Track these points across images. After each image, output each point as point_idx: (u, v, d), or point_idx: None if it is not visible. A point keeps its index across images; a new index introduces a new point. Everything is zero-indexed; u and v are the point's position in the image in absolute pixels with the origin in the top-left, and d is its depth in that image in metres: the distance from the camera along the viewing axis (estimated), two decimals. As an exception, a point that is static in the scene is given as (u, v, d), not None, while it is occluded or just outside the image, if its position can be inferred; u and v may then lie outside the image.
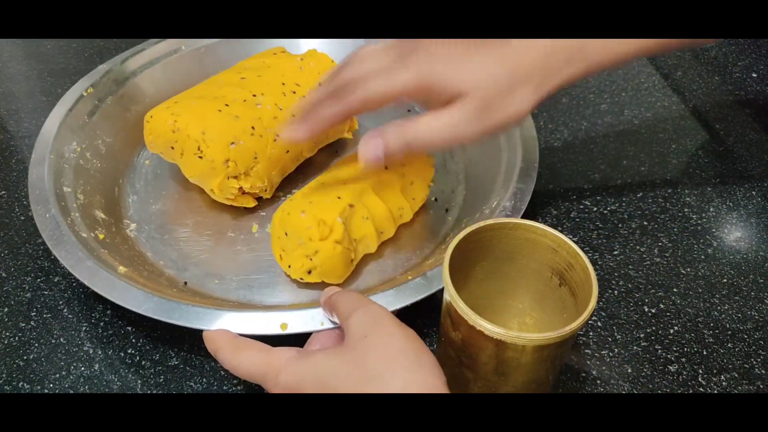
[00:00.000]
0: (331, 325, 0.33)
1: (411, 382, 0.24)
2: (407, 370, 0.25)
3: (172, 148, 0.42)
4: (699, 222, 0.43)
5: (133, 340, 0.37)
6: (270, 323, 0.33)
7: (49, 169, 0.41)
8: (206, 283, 0.40)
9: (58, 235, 0.37)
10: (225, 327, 0.33)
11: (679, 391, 0.34)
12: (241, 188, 0.42)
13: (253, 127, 0.41)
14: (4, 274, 0.41)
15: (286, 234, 0.37)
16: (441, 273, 0.28)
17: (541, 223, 0.29)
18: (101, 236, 0.39)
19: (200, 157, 0.41)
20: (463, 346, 0.28)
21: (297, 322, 0.33)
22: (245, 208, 0.44)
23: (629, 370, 0.35)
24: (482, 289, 0.32)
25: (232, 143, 0.40)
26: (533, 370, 0.28)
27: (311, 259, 0.36)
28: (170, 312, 0.33)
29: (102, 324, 0.38)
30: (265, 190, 0.43)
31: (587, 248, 0.42)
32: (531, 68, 0.31)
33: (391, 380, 0.25)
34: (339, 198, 0.37)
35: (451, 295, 0.27)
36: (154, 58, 0.51)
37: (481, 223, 0.29)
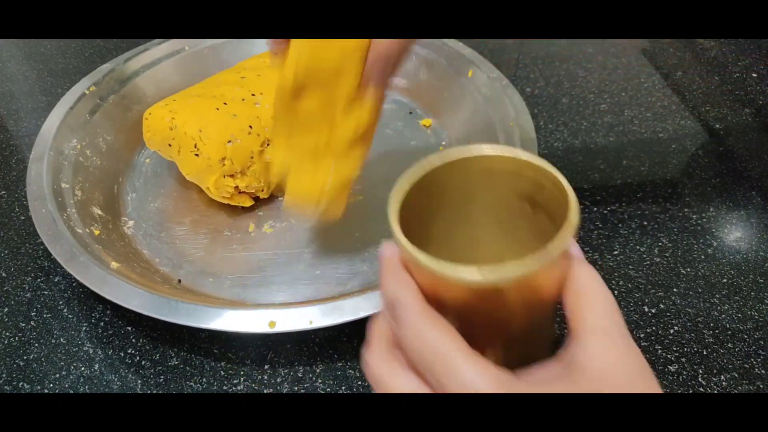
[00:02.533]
0: (320, 325, 0.32)
1: None
2: None
3: (170, 145, 0.42)
4: (699, 222, 0.43)
5: (133, 340, 0.37)
6: (258, 321, 0.33)
7: (48, 165, 0.41)
8: (200, 281, 0.40)
9: (54, 231, 0.37)
10: (213, 324, 0.32)
11: (679, 391, 0.34)
12: (237, 187, 0.42)
13: (250, 126, 0.41)
14: (4, 274, 0.41)
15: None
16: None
17: (494, 144, 0.25)
18: (97, 232, 0.40)
19: (197, 155, 0.41)
20: (443, 310, 0.23)
21: (285, 320, 0.33)
22: (242, 207, 0.44)
23: (629, 370, 0.35)
24: (448, 245, 0.27)
25: (229, 141, 0.41)
26: (529, 313, 0.23)
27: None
28: (160, 308, 0.33)
29: (102, 324, 0.38)
30: (262, 190, 0.43)
31: (587, 248, 0.42)
32: None
33: None
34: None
35: (405, 249, 0.22)
36: (157, 58, 0.52)
37: (421, 168, 0.24)
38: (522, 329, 0.24)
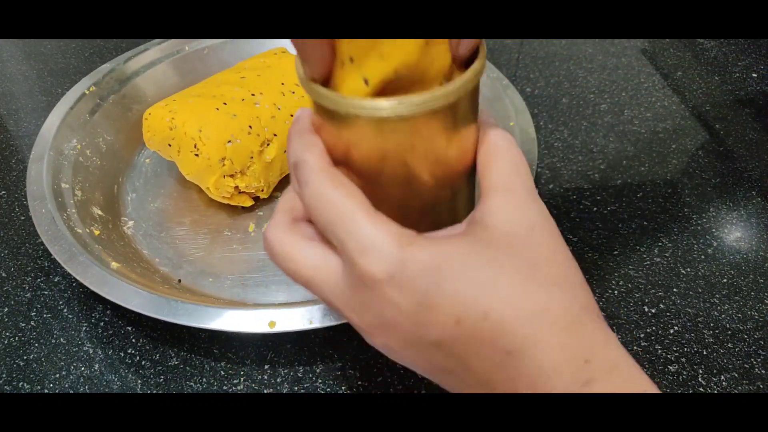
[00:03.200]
0: (320, 325, 0.32)
1: (589, 302, 0.20)
2: (582, 287, 0.20)
3: (170, 145, 0.42)
4: (699, 222, 0.43)
5: (133, 340, 0.37)
6: (258, 321, 0.33)
7: (48, 165, 0.41)
8: (200, 281, 0.40)
9: (54, 231, 0.37)
10: (213, 324, 0.32)
11: (679, 391, 0.34)
12: (237, 187, 0.42)
13: (250, 126, 0.41)
14: (4, 274, 0.41)
15: None
16: None
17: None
18: (97, 232, 0.40)
19: (196, 155, 0.41)
20: (351, 173, 0.22)
21: (285, 320, 0.33)
22: (242, 207, 0.44)
23: (629, 370, 0.35)
24: None
25: (229, 141, 0.41)
26: (441, 172, 0.22)
27: None
28: (159, 308, 0.33)
29: (102, 324, 0.38)
30: (262, 190, 0.43)
31: (587, 248, 0.42)
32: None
33: (570, 293, 0.19)
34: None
35: (312, 91, 0.21)
36: (157, 58, 0.52)
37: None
38: (433, 193, 0.23)
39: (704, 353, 0.36)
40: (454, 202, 0.24)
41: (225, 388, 0.34)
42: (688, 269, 0.40)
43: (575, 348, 0.19)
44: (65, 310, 0.39)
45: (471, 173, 0.24)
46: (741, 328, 0.37)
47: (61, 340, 0.37)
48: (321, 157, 0.22)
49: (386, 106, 0.20)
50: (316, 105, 0.22)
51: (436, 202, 0.23)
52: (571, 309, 0.20)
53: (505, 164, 0.22)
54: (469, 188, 0.25)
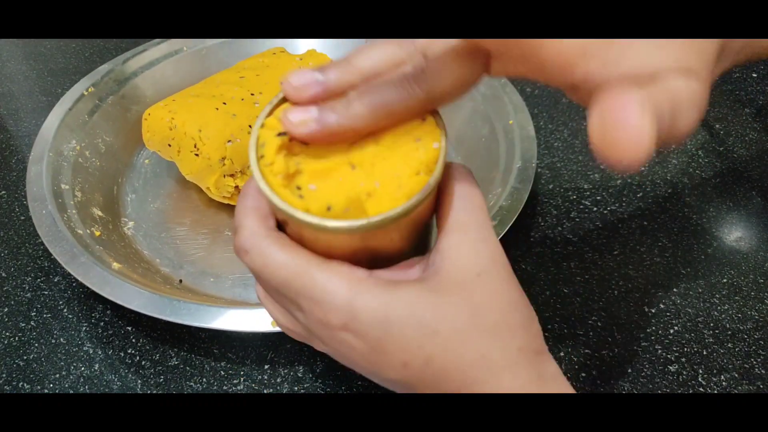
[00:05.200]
0: None
1: (527, 343, 0.21)
2: (523, 328, 0.21)
3: (169, 145, 0.42)
4: (699, 222, 0.43)
5: (133, 340, 0.37)
6: (260, 320, 0.33)
7: (48, 166, 0.41)
8: (201, 281, 0.40)
9: (54, 232, 0.37)
10: (215, 323, 0.32)
11: (679, 391, 0.34)
12: (237, 187, 0.42)
13: (250, 126, 0.42)
14: (4, 274, 0.41)
15: None
16: None
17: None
18: (97, 233, 0.40)
19: (196, 155, 0.41)
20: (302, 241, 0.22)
21: None
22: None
23: (629, 370, 0.35)
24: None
25: (229, 141, 0.41)
26: (400, 240, 0.23)
27: None
28: (162, 308, 0.33)
29: (102, 324, 0.38)
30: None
31: (587, 248, 0.42)
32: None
33: (508, 338, 0.21)
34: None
35: (265, 196, 0.21)
36: (155, 59, 0.52)
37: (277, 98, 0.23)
38: (387, 252, 0.23)
39: (704, 353, 0.36)
40: (409, 248, 0.25)
41: (225, 388, 0.34)
42: (688, 269, 0.40)
43: (512, 389, 0.21)
44: (65, 310, 0.39)
45: (430, 222, 0.25)
46: (741, 328, 0.37)
47: (61, 340, 0.37)
48: (262, 221, 0.22)
49: (342, 226, 0.21)
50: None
51: (390, 255, 0.24)
52: (508, 354, 0.21)
53: (459, 203, 0.22)
54: (427, 230, 0.25)
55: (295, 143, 0.22)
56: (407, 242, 0.24)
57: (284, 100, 0.23)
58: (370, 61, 0.22)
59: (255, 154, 0.22)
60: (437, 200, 0.23)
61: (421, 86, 0.21)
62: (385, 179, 0.22)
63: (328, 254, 0.22)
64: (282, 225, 0.23)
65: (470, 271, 0.21)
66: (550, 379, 0.22)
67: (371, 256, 0.23)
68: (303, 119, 0.21)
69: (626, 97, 0.18)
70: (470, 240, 0.22)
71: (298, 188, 0.21)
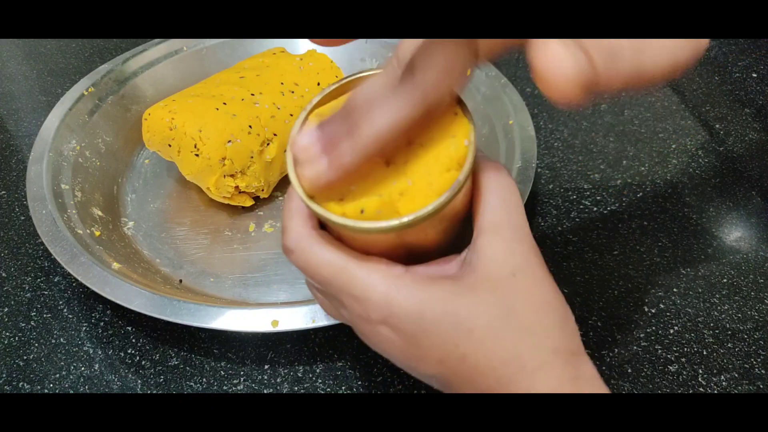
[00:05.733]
0: (323, 324, 0.32)
1: (562, 343, 0.21)
2: (559, 328, 0.21)
3: (169, 145, 0.42)
4: (699, 222, 0.43)
5: (133, 340, 0.37)
6: (261, 320, 0.33)
7: (48, 166, 0.41)
8: (201, 281, 0.40)
9: (54, 231, 0.37)
10: (216, 323, 0.32)
11: (679, 391, 0.34)
12: (237, 187, 0.42)
13: (250, 126, 0.41)
14: (4, 274, 0.41)
15: None
16: None
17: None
18: (97, 233, 0.40)
19: (197, 155, 0.41)
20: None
21: (288, 319, 0.33)
22: (242, 207, 0.44)
23: (629, 370, 0.35)
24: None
25: (229, 141, 0.41)
26: (436, 236, 0.23)
27: None
28: (162, 308, 0.33)
29: (102, 324, 0.38)
30: (262, 190, 0.43)
31: (587, 248, 0.42)
32: None
33: (542, 338, 0.21)
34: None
35: (306, 204, 0.22)
36: (155, 59, 0.52)
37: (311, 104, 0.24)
38: (424, 247, 0.24)
39: (704, 353, 0.36)
40: (445, 243, 0.25)
41: (225, 388, 0.34)
42: (688, 269, 0.40)
43: (545, 389, 0.21)
44: (65, 310, 0.39)
45: (465, 217, 0.25)
46: (741, 328, 0.37)
47: (61, 340, 0.37)
48: (305, 222, 0.23)
49: (375, 227, 0.22)
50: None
51: (427, 250, 0.24)
52: (542, 354, 0.21)
53: (495, 202, 0.23)
54: (463, 225, 0.26)
55: None
56: (443, 237, 0.24)
57: (321, 103, 0.24)
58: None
59: (292, 160, 0.23)
60: (472, 197, 0.24)
61: (413, 86, 0.21)
62: (417, 177, 0.22)
63: (366, 251, 0.23)
64: (323, 224, 0.24)
65: (505, 270, 0.21)
66: (586, 380, 0.22)
67: (408, 252, 0.24)
68: (317, 173, 0.22)
69: (550, 40, 0.19)
70: (505, 240, 0.22)
71: (342, 194, 0.22)
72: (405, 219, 0.21)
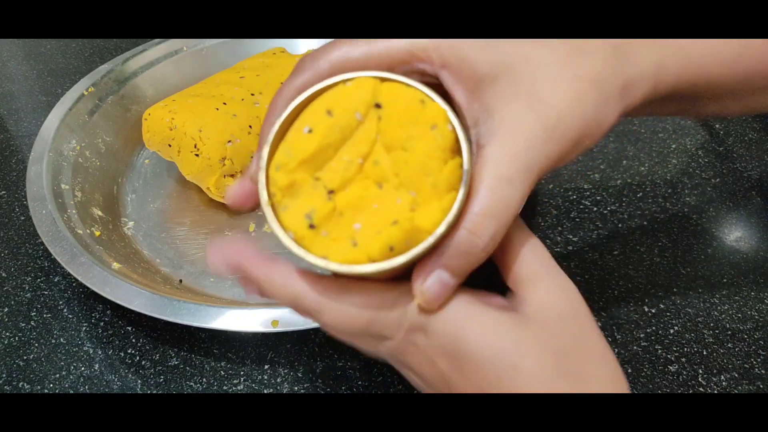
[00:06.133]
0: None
1: (612, 387, 0.20)
2: (612, 383, 0.20)
3: (169, 145, 0.42)
4: (699, 222, 0.43)
5: (133, 340, 0.37)
6: (261, 320, 0.33)
7: (48, 166, 0.41)
8: (201, 281, 0.40)
9: (54, 232, 0.37)
10: (216, 323, 0.32)
11: (679, 391, 0.34)
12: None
13: (250, 126, 0.42)
14: (4, 274, 0.41)
15: None
16: None
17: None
18: (97, 233, 0.40)
19: (197, 155, 0.41)
20: None
21: (288, 319, 0.33)
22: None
23: (629, 370, 0.35)
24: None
25: (229, 141, 0.41)
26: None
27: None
28: (162, 308, 0.33)
29: (102, 324, 0.38)
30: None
31: (587, 248, 0.42)
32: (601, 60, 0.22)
33: (590, 381, 0.20)
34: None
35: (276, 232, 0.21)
36: (155, 59, 0.52)
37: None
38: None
39: (704, 353, 0.36)
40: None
41: (225, 388, 0.34)
42: (688, 269, 0.40)
43: None
44: (65, 310, 0.39)
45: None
46: (741, 328, 0.37)
47: (61, 340, 0.37)
48: (309, 281, 0.23)
49: (371, 270, 0.20)
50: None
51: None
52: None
53: (527, 255, 0.22)
54: None
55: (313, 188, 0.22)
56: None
57: (275, 146, 0.22)
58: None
59: (284, 233, 0.22)
60: (498, 250, 0.22)
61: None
62: (418, 184, 0.21)
63: (394, 276, 0.22)
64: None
65: (556, 314, 0.20)
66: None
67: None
68: (240, 191, 0.23)
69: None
70: (550, 287, 0.21)
71: (351, 237, 0.21)
72: (439, 231, 0.20)
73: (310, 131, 0.21)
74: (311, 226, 0.21)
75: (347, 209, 0.21)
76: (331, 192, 0.21)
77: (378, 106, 0.21)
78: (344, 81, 0.22)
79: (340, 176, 0.21)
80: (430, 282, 0.21)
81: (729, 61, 0.23)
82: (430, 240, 0.20)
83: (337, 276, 0.22)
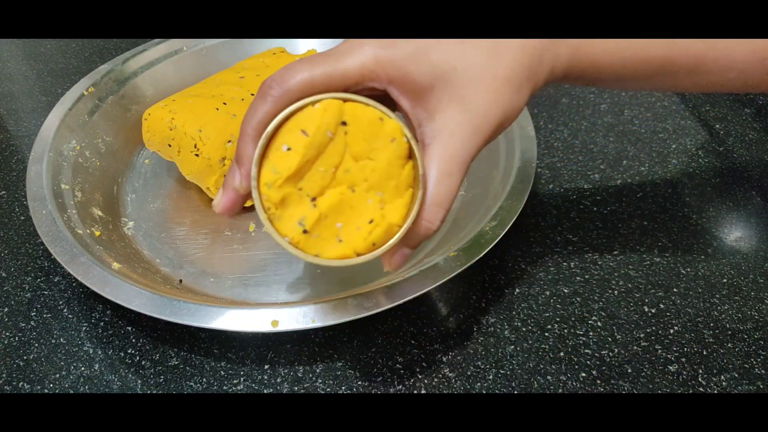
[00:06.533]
0: (323, 324, 0.32)
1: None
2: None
3: (169, 145, 0.42)
4: (699, 222, 0.43)
5: (133, 340, 0.37)
6: (261, 320, 0.33)
7: (48, 166, 0.41)
8: (201, 282, 0.40)
9: (54, 232, 0.37)
10: (216, 323, 0.32)
11: (679, 391, 0.34)
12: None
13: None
14: (4, 274, 0.41)
15: None
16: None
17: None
18: (97, 233, 0.40)
19: (197, 155, 0.41)
20: None
21: (288, 319, 0.33)
22: (242, 207, 0.44)
23: (629, 370, 0.35)
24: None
25: (229, 141, 0.41)
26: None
27: None
28: (162, 308, 0.33)
29: (102, 324, 0.38)
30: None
31: (587, 248, 0.42)
32: (516, 54, 0.28)
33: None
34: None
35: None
36: (155, 59, 0.52)
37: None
38: None
39: (704, 353, 0.35)
40: None
41: (225, 388, 0.34)
42: (688, 269, 0.40)
43: None
44: (65, 310, 0.39)
45: None
46: (741, 328, 0.37)
47: (61, 340, 0.37)
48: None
49: (359, 261, 0.27)
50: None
51: None
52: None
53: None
54: None
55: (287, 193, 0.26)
56: None
57: (265, 149, 0.26)
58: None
59: (282, 239, 0.26)
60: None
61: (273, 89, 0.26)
62: (384, 186, 0.26)
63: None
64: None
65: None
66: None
67: None
68: (221, 204, 0.29)
69: None
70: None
71: (336, 235, 0.26)
72: (406, 224, 0.26)
73: (288, 149, 0.25)
74: (305, 231, 0.26)
75: (329, 212, 0.26)
76: (313, 199, 0.26)
77: (344, 123, 0.26)
78: (312, 103, 0.26)
79: (318, 185, 0.26)
80: (397, 256, 0.28)
81: (612, 51, 0.29)
82: (401, 232, 0.26)
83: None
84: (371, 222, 0.26)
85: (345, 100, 0.26)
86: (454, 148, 0.26)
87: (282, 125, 0.26)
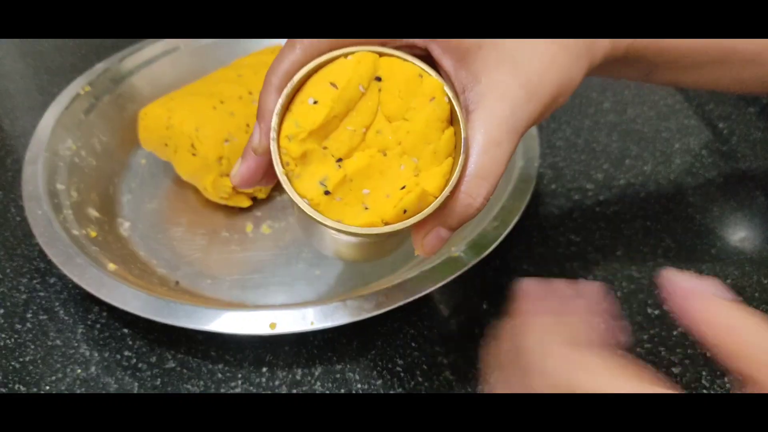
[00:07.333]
0: (321, 326, 0.32)
1: None
2: None
3: (166, 144, 0.42)
4: (703, 222, 0.43)
5: (130, 343, 0.36)
6: (259, 322, 0.32)
7: (43, 166, 0.41)
8: (198, 283, 0.39)
9: (50, 232, 0.37)
10: (213, 325, 0.32)
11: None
12: (234, 187, 0.41)
13: (248, 125, 0.41)
14: (-1, 275, 0.41)
15: None
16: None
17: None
18: (93, 234, 0.39)
19: (194, 154, 0.40)
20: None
21: (286, 321, 0.32)
22: (240, 207, 0.44)
23: (632, 373, 0.34)
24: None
25: (226, 140, 0.40)
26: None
27: None
28: (158, 310, 0.33)
29: (98, 326, 0.37)
30: (260, 190, 0.43)
31: (590, 248, 0.41)
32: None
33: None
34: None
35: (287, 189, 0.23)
36: (152, 57, 0.51)
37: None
38: None
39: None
40: None
41: (222, 390, 0.34)
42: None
43: None
44: (61, 312, 0.38)
45: None
46: (745, 329, 0.36)
47: (57, 342, 0.37)
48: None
49: (387, 230, 0.23)
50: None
51: None
52: None
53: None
54: None
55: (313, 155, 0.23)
56: None
57: (280, 118, 0.24)
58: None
59: (301, 200, 0.23)
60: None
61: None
62: (419, 151, 0.23)
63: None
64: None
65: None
66: None
67: None
68: (238, 173, 0.25)
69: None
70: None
71: (361, 201, 0.23)
72: (444, 194, 0.22)
73: (315, 102, 0.22)
74: (326, 193, 0.22)
75: (356, 176, 0.23)
76: (339, 160, 0.23)
77: (378, 79, 0.23)
78: (345, 55, 0.23)
79: (346, 145, 0.23)
80: (430, 237, 0.24)
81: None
82: (437, 202, 0.22)
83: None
84: (403, 188, 0.22)
85: (381, 55, 0.23)
86: (503, 113, 0.23)
87: (310, 77, 0.23)
